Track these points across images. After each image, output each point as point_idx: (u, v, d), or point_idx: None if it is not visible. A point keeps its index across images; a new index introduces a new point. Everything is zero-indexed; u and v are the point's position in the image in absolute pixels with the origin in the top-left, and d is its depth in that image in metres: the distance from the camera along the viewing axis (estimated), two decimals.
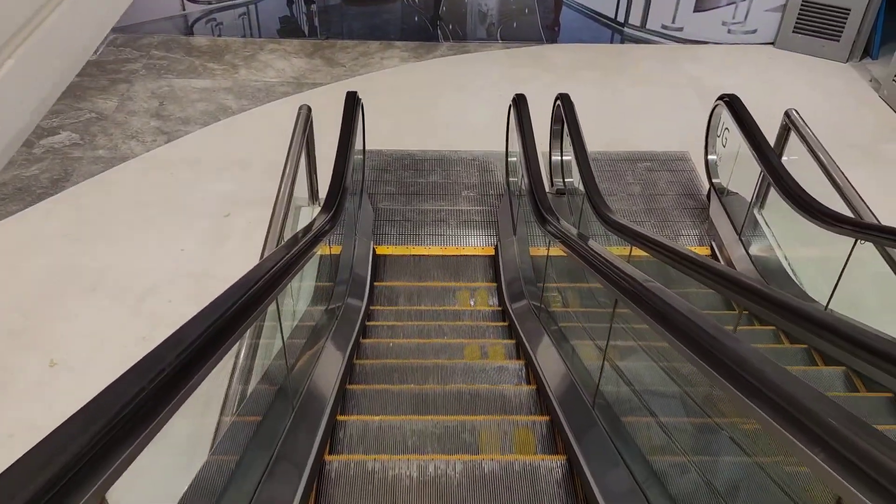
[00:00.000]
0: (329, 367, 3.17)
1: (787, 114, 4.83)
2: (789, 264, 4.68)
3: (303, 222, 4.51)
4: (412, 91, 7.05)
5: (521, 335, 3.52)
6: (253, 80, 7.03)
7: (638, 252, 4.37)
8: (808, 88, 7.32)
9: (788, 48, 8.02)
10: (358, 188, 5.20)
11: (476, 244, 5.18)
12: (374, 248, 4.93)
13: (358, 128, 5.11)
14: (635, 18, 8.01)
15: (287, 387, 2.52)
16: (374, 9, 7.83)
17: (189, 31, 7.79)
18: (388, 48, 7.78)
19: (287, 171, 3.99)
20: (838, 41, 7.77)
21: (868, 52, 7.84)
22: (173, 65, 7.20)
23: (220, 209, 5.25)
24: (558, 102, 5.19)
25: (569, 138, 5.32)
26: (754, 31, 8.09)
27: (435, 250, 5.07)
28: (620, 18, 8.01)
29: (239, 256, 4.73)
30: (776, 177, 4.27)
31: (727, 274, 2.32)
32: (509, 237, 4.89)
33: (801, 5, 7.76)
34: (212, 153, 5.92)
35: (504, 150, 5.68)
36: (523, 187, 4.58)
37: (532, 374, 3.20)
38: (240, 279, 1.84)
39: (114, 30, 7.64)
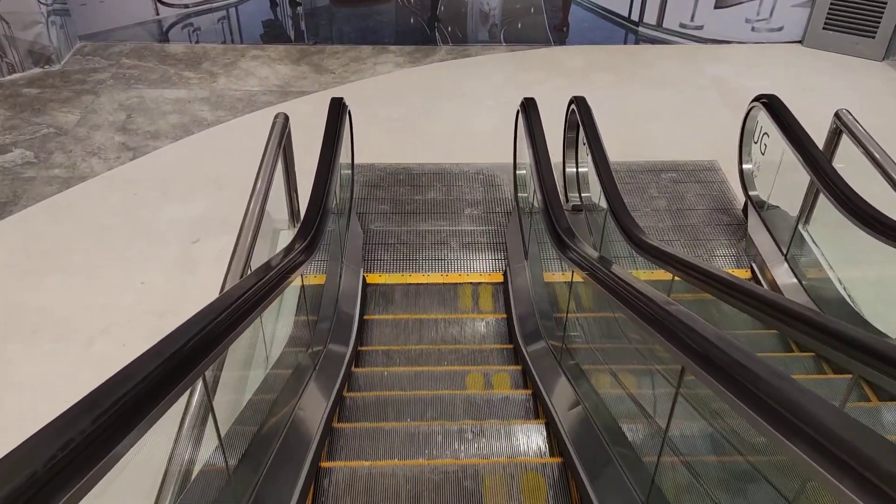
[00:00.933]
0: (303, 431, 2.57)
1: (837, 115, 4.25)
2: (844, 288, 4.09)
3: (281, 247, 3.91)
4: (408, 98, 6.49)
5: (541, 388, 2.91)
6: (232, 90, 6.48)
7: (661, 275, 3.80)
8: (844, 89, 6.74)
9: (818, 46, 7.44)
10: (345, 207, 4.61)
11: (482, 269, 4.58)
12: (363, 277, 4.33)
13: (345, 138, 4.53)
14: (651, 17, 7.45)
15: (251, 453, 1.95)
16: (366, 10, 7.29)
17: (164, 37, 7.25)
18: (382, 53, 7.23)
19: (258, 188, 3.42)
20: (874, 38, 7.19)
21: None
22: (145, 74, 6.65)
23: (188, 234, 4.66)
24: (573, 106, 4.61)
25: (585, 147, 4.74)
26: (780, 29, 7.52)
27: (435, 278, 4.47)
28: (635, 17, 7.45)
29: (208, 290, 4.11)
30: (831, 186, 3.69)
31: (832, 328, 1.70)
32: (520, 262, 4.29)
33: None
34: (182, 170, 5.35)
35: (511, 161, 5.10)
36: (536, 204, 3.99)
37: (556, 441, 2.59)
38: (177, 329, 1.52)
39: (81, 37, 7.10)
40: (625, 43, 7.57)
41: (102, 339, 3.89)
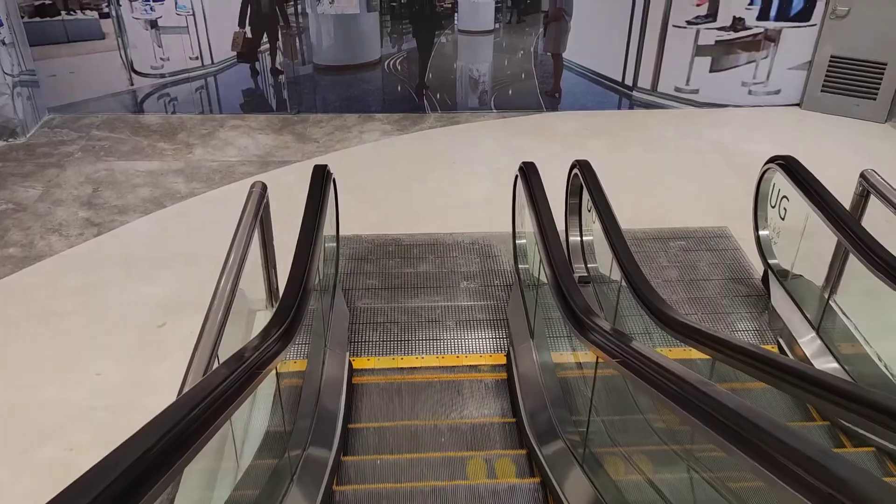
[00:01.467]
0: None
1: (863, 176, 3.96)
2: (885, 365, 3.71)
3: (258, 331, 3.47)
4: (396, 166, 6.18)
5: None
6: (209, 160, 6.14)
7: (683, 353, 3.42)
8: (848, 151, 6.52)
9: (818, 109, 7.29)
10: (329, 283, 4.20)
11: (482, 349, 4.14)
12: (349, 363, 3.87)
13: (329, 208, 4.16)
14: (645, 81, 7.29)
15: None
16: (351, 78, 7.07)
17: (139, 108, 6.96)
18: (368, 121, 6.97)
19: (230, 264, 3.03)
20: (874, 99, 7.04)
21: None
22: (116, 146, 6.32)
23: (153, 318, 4.21)
24: (575, 171, 4.29)
25: (591, 214, 4.40)
26: (778, 92, 7.37)
27: (429, 361, 4.02)
28: (628, 82, 7.29)
29: (174, 380, 3.64)
30: (863, 248, 3.37)
31: None
32: (525, 341, 3.86)
33: (830, 61, 7.07)
34: (150, 247, 4.94)
35: (509, 231, 4.74)
36: (540, 278, 3.60)
37: None
38: (113, 452, 1.22)
39: (50, 109, 6.80)
40: (619, 108, 7.39)
41: (49, 444, 3.38)
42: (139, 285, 4.52)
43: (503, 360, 4.02)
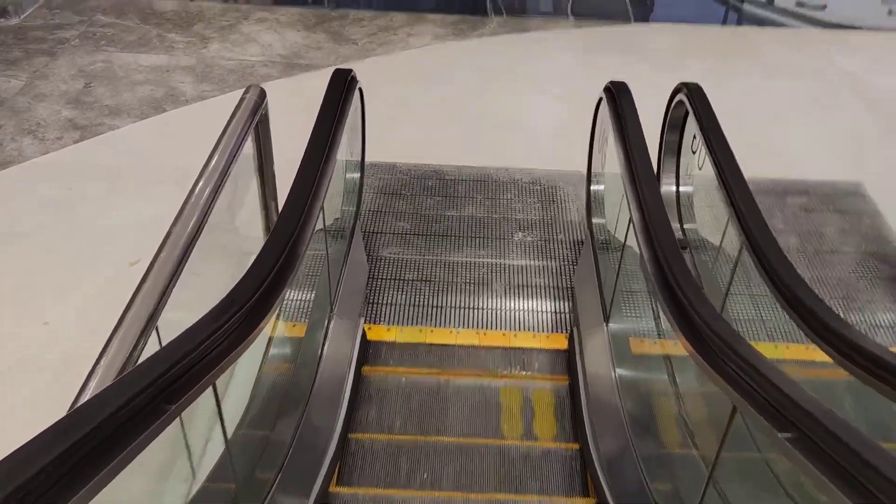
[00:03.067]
0: None
1: None
2: None
3: None
4: (447, 79, 5.21)
5: None
6: (225, 58, 5.26)
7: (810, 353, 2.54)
8: None
9: None
10: (347, 225, 3.34)
11: (536, 327, 3.26)
12: (363, 333, 3.05)
13: (352, 127, 3.27)
14: None
15: None
16: None
17: None
18: (419, 22, 5.93)
19: (198, 190, 2.24)
20: None
21: None
22: (120, 35, 5.47)
23: (129, 250, 3.43)
24: (680, 96, 3.27)
25: (694, 156, 3.40)
26: None
27: (467, 337, 3.17)
28: None
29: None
30: None
31: None
32: (596, 325, 2.95)
33: None
34: (139, 158, 4.14)
35: (583, 170, 3.78)
36: (628, 242, 2.67)
37: None
38: None
39: None
40: (724, 23, 6.20)
41: None
42: (119, 206, 3.76)
43: (564, 345, 3.14)
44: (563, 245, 3.68)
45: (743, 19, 6.21)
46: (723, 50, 5.79)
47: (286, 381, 2.49)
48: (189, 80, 4.96)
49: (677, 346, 1.85)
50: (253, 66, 5.20)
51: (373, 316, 3.25)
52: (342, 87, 2.98)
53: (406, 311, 3.28)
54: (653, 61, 5.50)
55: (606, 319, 2.88)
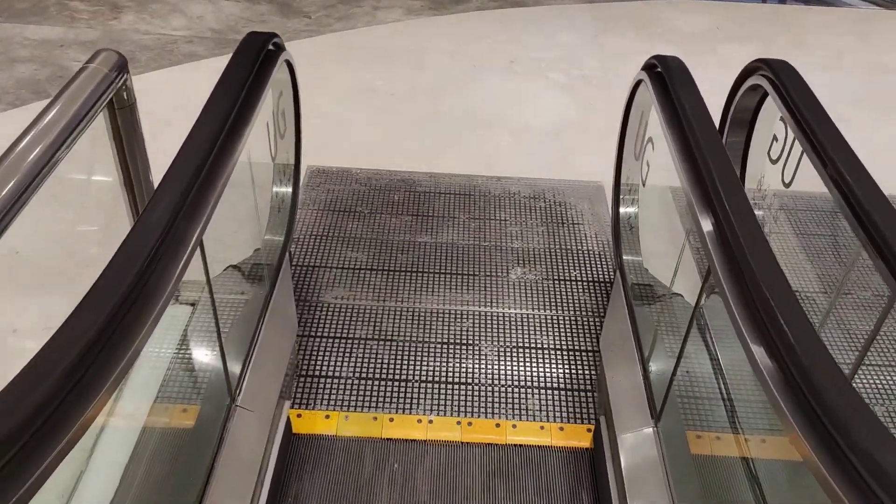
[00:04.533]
0: None
1: None
2: None
3: None
4: (423, 63, 4.30)
5: None
6: (140, 32, 4.30)
7: None
8: None
9: None
10: (269, 260, 2.37)
11: (545, 412, 2.31)
12: (287, 423, 2.08)
13: (281, 114, 2.34)
14: None
15: None
16: None
17: None
18: None
19: None
20: None
21: None
22: (10, 1, 4.46)
23: None
24: (754, 80, 2.37)
25: (770, 166, 2.48)
26: None
27: (443, 428, 2.22)
28: None
29: None
30: None
31: None
32: (638, 422, 2.00)
33: None
34: None
35: (601, 179, 2.85)
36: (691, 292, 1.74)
37: None
38: None
39: None
40: (764, 0, 5.34)
41: None
42: None
43: (586, 441, 2.19)
44: (580, 286, 2.73)
45: None
46: (764, 32, 4.93)
47: None
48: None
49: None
50: (175, 43, 4.23)
51: (304, 396, 2.28)
52: (255, 56, 2.04)
53: (355, 387, 2.32)
54: (678, 43, 4.61)
55: (657, 416, 1.94)
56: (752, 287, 1.34)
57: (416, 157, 3.44)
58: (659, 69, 2.27)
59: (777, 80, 2.17)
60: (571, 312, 2.63)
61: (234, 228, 2.33)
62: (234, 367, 1.93)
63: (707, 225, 1.59)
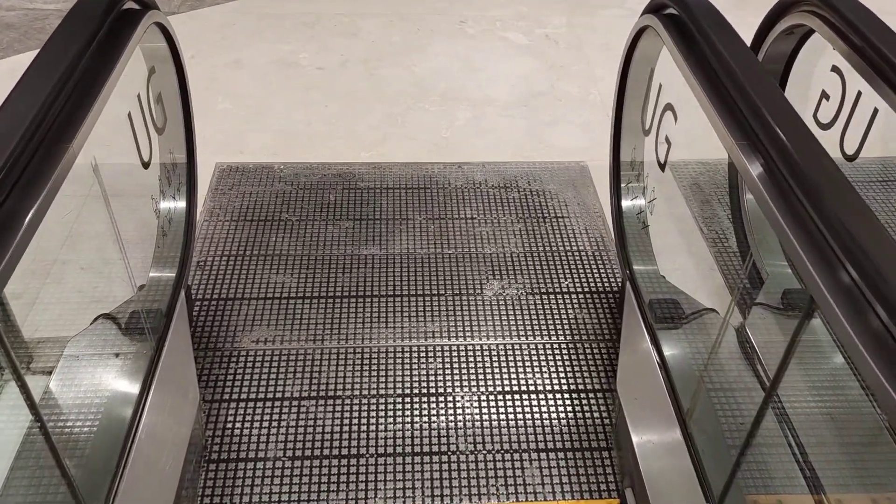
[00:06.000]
0: None
1: None
2: None
3: None
4: (355, 30, 3.66)
5: None
6: (4, 7, 3.58)
7: None
8: None
9: None
10: (157, 302, 1.75)
11: (545, 488, 1.75)
12: None
13: (129, 102, 1.72)
14: None
15: None
16: None
17: None
18: None
19: None
20: None
21: None
22: None
23: None
24: (796, 18, 1.83)
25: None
26: None
27: None
28: None
29: None
30: None
31: None
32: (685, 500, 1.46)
33: None
34: None
35: (583, 158, 2.28)
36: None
37: None
38: None
39: None
40: None
41: None
42: None
43: None
44: (575, 299, 2.18)
45: None
46: None
47: None
48: None
49: None
50: (46, 18, 3.52)
51: (215, 490, 1.68)
52: (100, 16, 1.42)
53: (286, 471, 1.72)
54: None
55: (707, 489, 1.40)
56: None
57: (354, 145, 2.82)
58: (673, 9, 1.71)
59: (834, 12, 1.63)
60: (568, 337, 2.07)
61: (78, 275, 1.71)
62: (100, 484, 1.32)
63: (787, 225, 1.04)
